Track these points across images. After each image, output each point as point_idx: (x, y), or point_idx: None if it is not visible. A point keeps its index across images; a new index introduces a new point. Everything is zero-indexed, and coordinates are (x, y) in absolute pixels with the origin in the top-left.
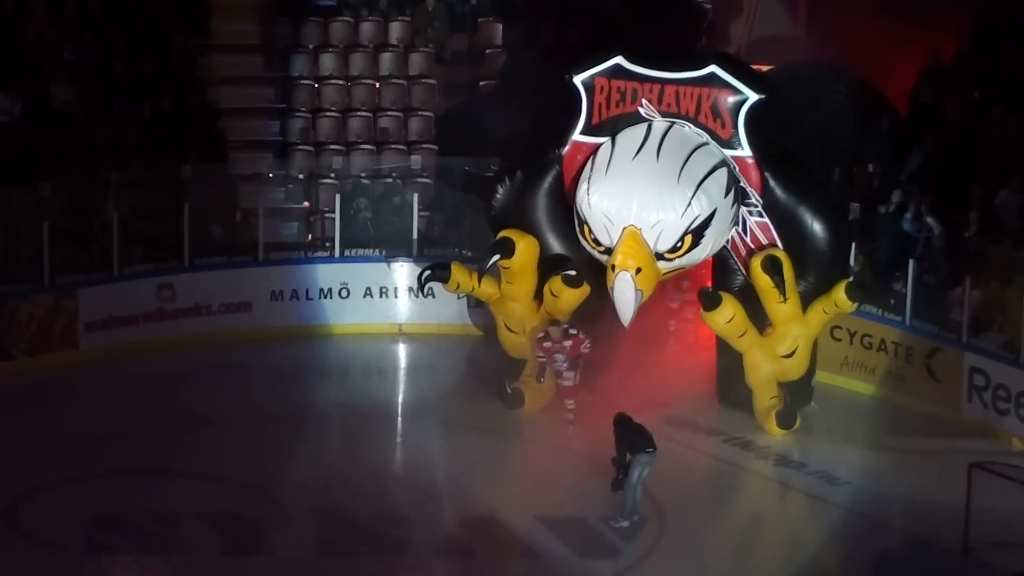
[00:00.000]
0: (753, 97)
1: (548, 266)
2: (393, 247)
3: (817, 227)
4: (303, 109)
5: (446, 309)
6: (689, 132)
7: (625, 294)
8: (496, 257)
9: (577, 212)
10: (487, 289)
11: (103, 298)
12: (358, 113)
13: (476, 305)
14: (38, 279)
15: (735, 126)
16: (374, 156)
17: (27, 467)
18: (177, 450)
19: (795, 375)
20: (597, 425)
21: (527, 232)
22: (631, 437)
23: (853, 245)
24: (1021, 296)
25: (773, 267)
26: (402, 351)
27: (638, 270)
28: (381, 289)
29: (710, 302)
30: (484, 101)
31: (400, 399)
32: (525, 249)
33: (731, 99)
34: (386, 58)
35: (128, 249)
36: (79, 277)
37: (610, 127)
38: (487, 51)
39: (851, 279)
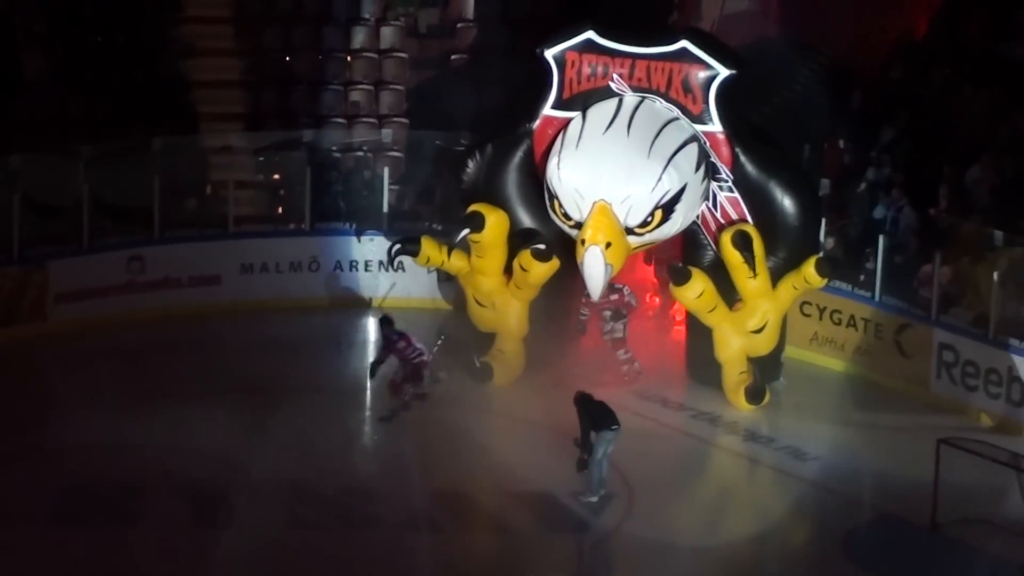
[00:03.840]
0: (724, 72)
1: (518, 240)
2: (363, 221)
3: (787, 202)
4: (274, 82)
5: (416, 283)
6: (660, 107)
7: (595, 268)
8: (466, 231)
9: (547, 186)
10: (457, 263)
11: (73, 270)
12: (329, 86)
13: (446, 279)
14: (7, 251)
15: (706, 101)
16: (345, 129)
17: None
18: (146, 422)
19: (764, 350)
20: (567, 399)
21: (497, 206)
22: (595, 415)
23: (823, 221)
24: (990, 273)
25: (743, 242)
26: (372, 325)
27: (608, 244)
28: (351, 263)
29: (680, 277)
30: (455, 75)
31: (369, 373)
32: (495, 223)
33: (702, 74)
34: (358, 31)
35: (98, 221)
36: (49, 249)
37: (581, 101)
38: (459, 24)
39: (821, 255)
